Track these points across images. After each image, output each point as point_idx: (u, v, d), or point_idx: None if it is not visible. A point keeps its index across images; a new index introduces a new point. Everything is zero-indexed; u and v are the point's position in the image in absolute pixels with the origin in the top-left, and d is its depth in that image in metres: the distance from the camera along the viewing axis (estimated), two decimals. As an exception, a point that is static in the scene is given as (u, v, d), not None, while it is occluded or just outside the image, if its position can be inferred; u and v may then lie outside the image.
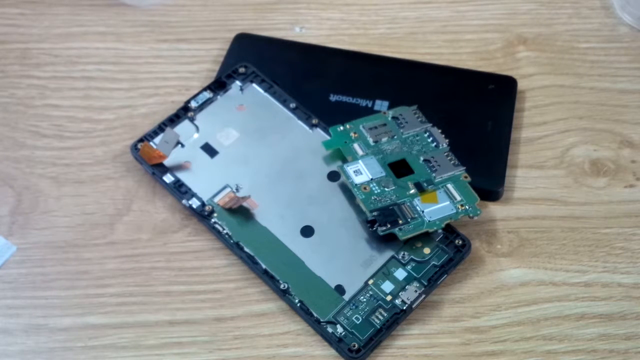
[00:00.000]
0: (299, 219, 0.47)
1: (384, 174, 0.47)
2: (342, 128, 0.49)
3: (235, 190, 0.48)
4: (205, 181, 0.48)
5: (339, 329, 0.43)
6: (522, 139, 0.51)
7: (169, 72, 0.54)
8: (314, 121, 0.50)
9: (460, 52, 0.55)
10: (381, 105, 0.52)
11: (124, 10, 0.58)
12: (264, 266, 0.45)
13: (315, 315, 0.44)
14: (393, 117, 0.49)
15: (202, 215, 0.47)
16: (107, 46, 0.56)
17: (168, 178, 0.48)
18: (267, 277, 0.45)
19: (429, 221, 0.45)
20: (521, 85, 0.53)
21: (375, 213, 0.45)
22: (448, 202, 0.46)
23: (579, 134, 0.52)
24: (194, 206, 0.47)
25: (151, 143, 0.49)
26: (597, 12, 0.57)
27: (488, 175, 0.49)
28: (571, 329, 0.44)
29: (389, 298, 0.44)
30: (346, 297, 0.44)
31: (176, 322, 0.45)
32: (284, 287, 0.45)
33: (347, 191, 0.47)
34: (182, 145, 0.50)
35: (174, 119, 0.50)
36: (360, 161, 0.47)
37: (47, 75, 0.54)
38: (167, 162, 0.49)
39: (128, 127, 0.52)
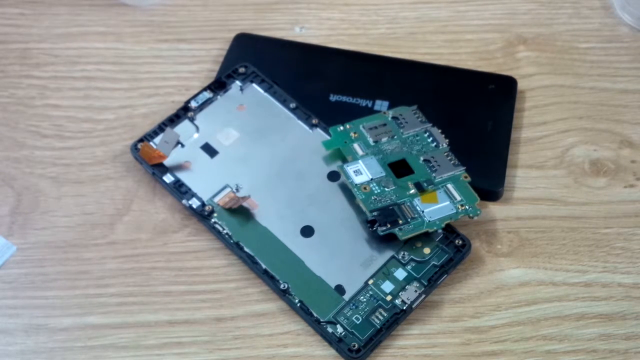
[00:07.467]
0: (299, 219, 0.47)
1: (384, 174, 0.47)
2: (342, 128, 0.49)
3: (235, 190, 0.48)
4: (205, 181, 0.48)
5: (339, 329, 0.43)
6: (522, 139, 0.51)
7: (169, 72, 0.54)
8: (314, 121, 0.50)
9: (460, 52, 0.55)
10: (381, 105, 0.51)
11: (124, 10, 0.58)
12: (264, 266, 0.45)
13: (315, 315, 0.44)
14: (393, 117, 0.49)
15: (202, 215, 0.47)
16: (107, 46, 0.56)
17: (168, 178, 0.48)
18: (267, 277, 0.45)
19: (429, 221, 0.45)
20: (521, 85, 0.53)
21: (375, 213, 0.45)
22: (448, 202, 0.46)
23: (579, 134, 0.52)
24: (194, 206, 0.47)
25: (151, 143, 0.49)
26: (597, 12, 0.57)
27: (488, 175, 0.49)
28: (571, 329, 0.44)
29: (389, 298, 0.44)
30: (346, 297, 0.44)
31: (176, 322, 0.45)
32: (284, 287, 0.45)
33: (347, 191, 0.47)
34: (182, 145, 0.50)
35: (174, 119, 0.50)
36: (360, 161, 0.47)
37: (47, 75, 0.54)
38: (167, 162, 0.49)
39: (128, 127, 0.52)
